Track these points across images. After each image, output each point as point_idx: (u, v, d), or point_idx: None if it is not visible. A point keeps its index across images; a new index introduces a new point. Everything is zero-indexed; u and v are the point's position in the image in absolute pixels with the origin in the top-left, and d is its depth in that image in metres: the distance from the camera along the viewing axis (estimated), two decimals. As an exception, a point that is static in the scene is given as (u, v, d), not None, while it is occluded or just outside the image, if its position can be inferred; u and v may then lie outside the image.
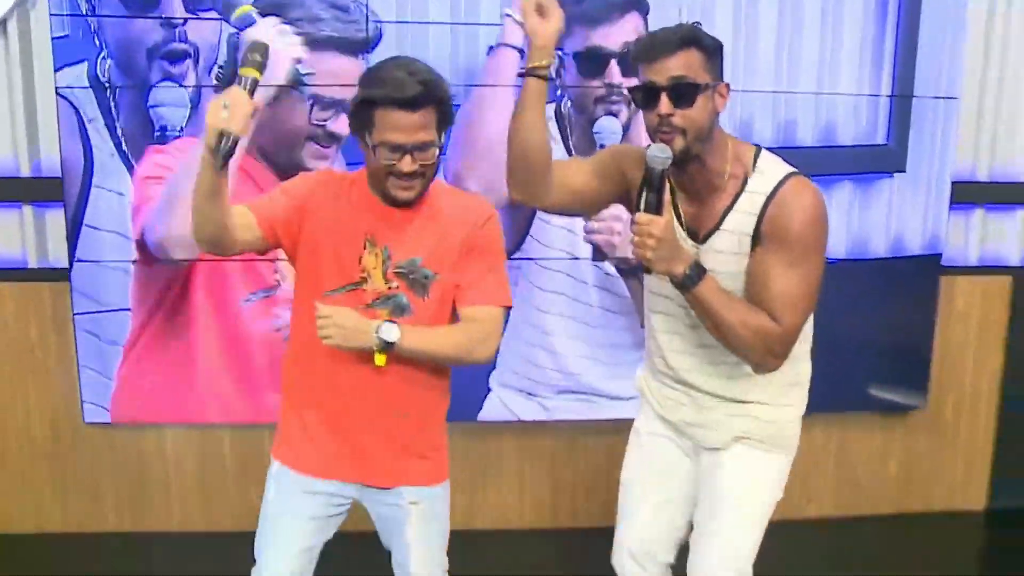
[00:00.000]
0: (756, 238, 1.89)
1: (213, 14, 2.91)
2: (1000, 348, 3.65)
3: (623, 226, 3.00)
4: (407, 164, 1.86)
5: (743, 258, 1.91)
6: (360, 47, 2.98)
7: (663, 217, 1.80)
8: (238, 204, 1.94)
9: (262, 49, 1.81)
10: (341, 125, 2.98)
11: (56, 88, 2.96)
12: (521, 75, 1.92)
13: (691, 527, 2.21)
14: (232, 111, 1.71)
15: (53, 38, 2.94)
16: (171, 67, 2.95)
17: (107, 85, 2.97)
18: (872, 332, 3.43)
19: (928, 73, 3.26)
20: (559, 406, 3.30)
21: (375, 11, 2.96)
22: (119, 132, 3.01)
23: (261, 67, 1.79)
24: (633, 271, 3.08)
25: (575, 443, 3.49)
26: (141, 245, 3.05)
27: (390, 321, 1.91)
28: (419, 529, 2.11)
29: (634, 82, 1.88)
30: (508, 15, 2.94)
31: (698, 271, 1.83)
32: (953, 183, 3.39)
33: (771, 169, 1.91)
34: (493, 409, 3.27)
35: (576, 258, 3.19)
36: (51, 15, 2.92)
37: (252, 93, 1.76)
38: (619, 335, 3.23)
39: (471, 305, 1.99)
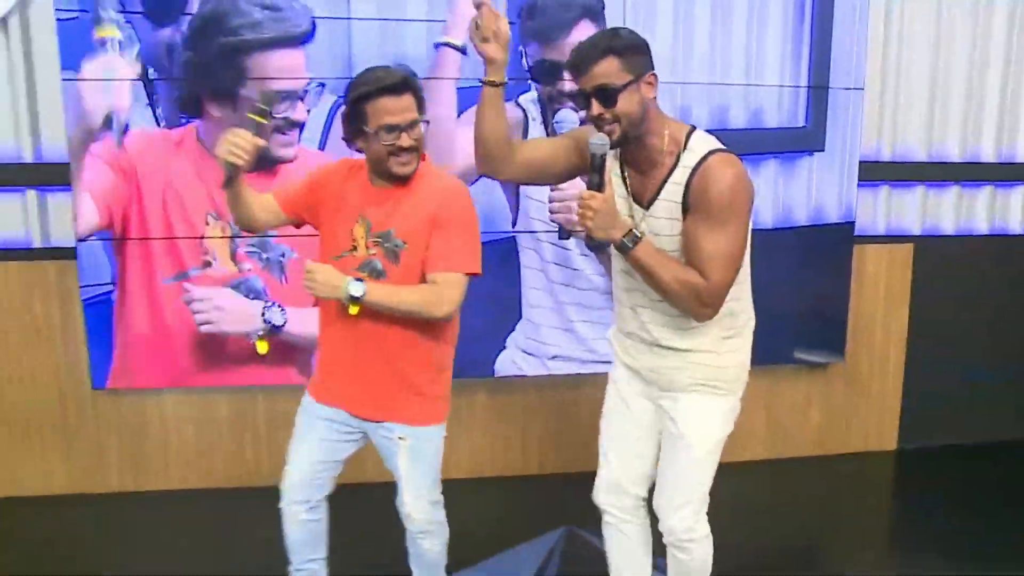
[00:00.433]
0: (684, 206, 2.15)
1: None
2: (905, 307, 4.09)
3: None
4: (404, 140, 2.24)
5: (677, 223, 2.19)
6: (300, 40, 3.28)
7: (603, 193, 2.11)
8: (267, 193, 2.43)
9: (269, 99, 2.27)
10: (299, 112, 3.32)
11: (62, 78, 3.20)
12: (480, 83, 2.25)
13: (657, 451, 2.48)
14: (239, 148, 2.18)
15: (59, 20, 3.16)
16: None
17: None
18: (795, 294, 3.82)
19: (841, 65, 3.69)
20: (558, 365, 3.67)
21: (307, 5, 3.28)
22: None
23: (267, 115, 2.24)
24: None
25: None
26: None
27: (358, 280, 2.25)
28: (408, 464, 2.45)
29: (586, 78, 2.16)
30: (443, 44, 3.31)
31: (633, 237, 2.10)
32: (861, 162, 3.81)
33: (699, 146, 2.16)
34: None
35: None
36: (56, 9, 3.16)
37: (258, 134, 2.20)
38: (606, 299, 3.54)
39: (433, 271, 2.31)
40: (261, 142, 2.22)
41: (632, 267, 2.18)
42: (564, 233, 3.50)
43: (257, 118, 2.23)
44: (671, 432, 2.37)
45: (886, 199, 4.00)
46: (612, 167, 2.26)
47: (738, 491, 3.65)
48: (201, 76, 3.27)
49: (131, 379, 3.48)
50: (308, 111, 3.34)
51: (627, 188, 2.26)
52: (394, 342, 2.35)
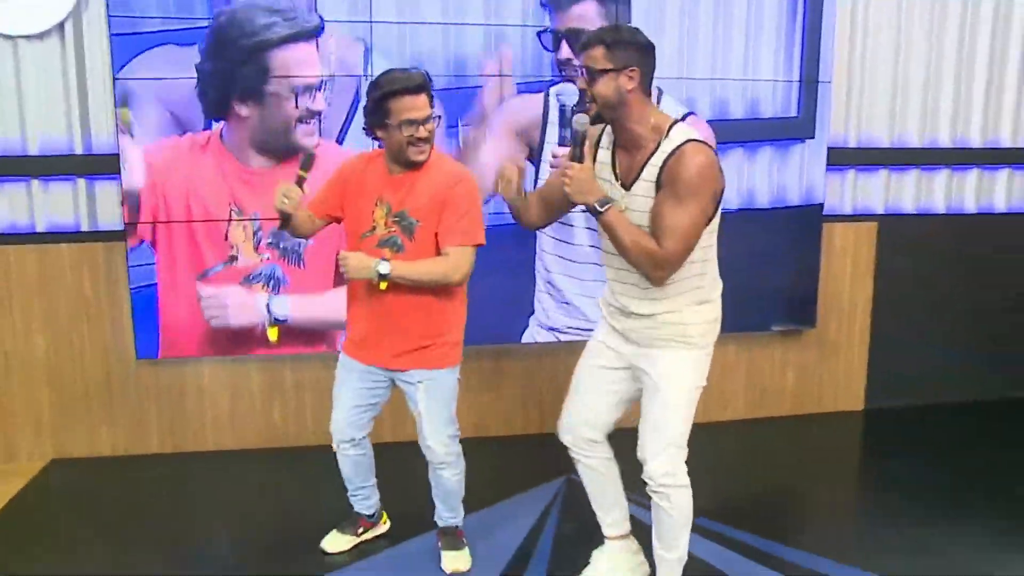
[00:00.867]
0: (658, 184, 2.40)
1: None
2: (870, 279, 4.47)
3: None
4: (421, 132, 2.65)
5: (651, 200, 2.49)
6: (312, 34, 3.64)
7: (581, 163, 2.46)
8: (306, 211, 2.87)
9: (310, 159, 2.76)
10: (318, 103, 3.68)
11: (115, 77, 3.55)
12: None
13: (617, 415, 2.75)
14: (289, 199, 2.69)
15: (112, 35, 3.53)
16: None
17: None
18: (772, 268, 4.20)
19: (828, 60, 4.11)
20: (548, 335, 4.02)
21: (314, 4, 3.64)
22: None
23: (308, 169, 2.74)
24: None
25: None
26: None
27: (384, 260, 2.66)
28: (426, 402, 2.86)
29: (582, 58, 2.51)
30: None
31: (604, 203, 2.40)
32: (830, 148, 4.19)
33: (678, 136, 2.41)
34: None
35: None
36: (109, 16, 3.52)
37: (300, 187, 2.71)
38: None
39: (446, 245, 2.73)
40: (304, 192, 2.74)
41: (602, 229, 2.47)
42: None
43: (302, 173, 2.73)
44: (648, 386, 2.61)
45: (852, 182, 4.38)
46: (606, 154, 2.58)
47: (720, 447, 4.13)
48: (226, 80, 3.61)
49: (171, 350, 3.82)
50: (327, 102, 3.68)
51: (615, 172, 2.56)
52: (409, 307, 2.77)
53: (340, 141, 3.73)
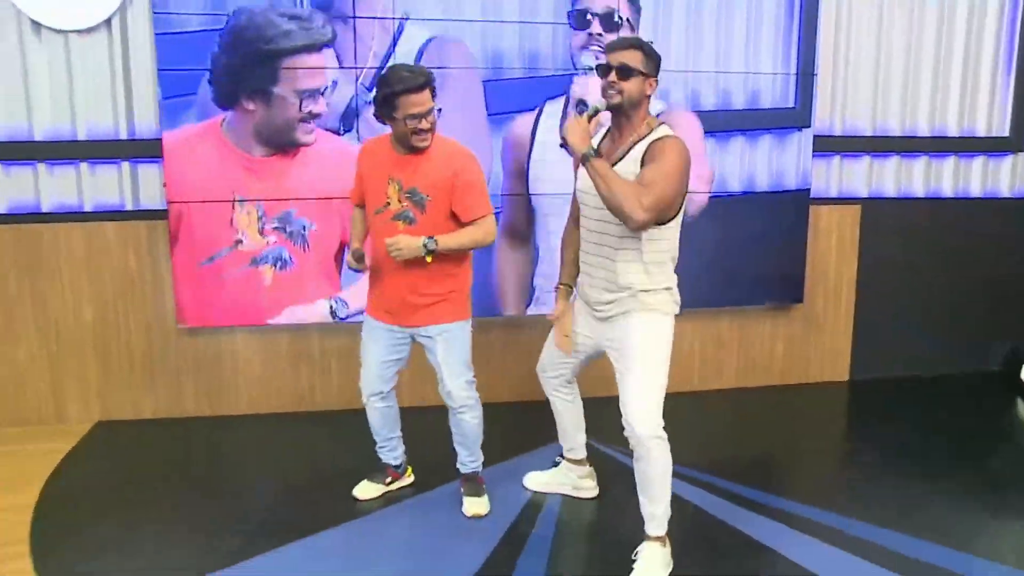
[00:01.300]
0: (642, 163, 2.77)
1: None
2: (855, 258, 4.79)
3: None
4: (424, 123, 3.00)
5: (632, 177, 2.83)
6: (323, 45, 3.97)
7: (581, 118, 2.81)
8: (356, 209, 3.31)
9: (359, 256, 3.20)
10: (319, 106, 4.00)
11: (159, 69, 3.88)
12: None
13: (583, 364, 3.23)
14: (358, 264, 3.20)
15: (158, 34, 3.85)
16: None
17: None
18: (763, 247, 4.53)
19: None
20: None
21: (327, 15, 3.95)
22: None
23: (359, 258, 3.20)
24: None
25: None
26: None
27: (431, 237, 3.01)
28: (444, 353, 3.22)
29: (611, 37, 2.94)
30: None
31: (595, 152, 2.74)
32: (816, 136, 4.52)
33: (660, 132, 2.84)
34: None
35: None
36: (154, 13, 3.84)
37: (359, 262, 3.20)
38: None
39: (471, 217, 3.09)
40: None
41: (590, 175, 2.75)
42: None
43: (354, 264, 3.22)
44: (618, 353, 2.96)
45: (838, 167, 4.70)
46: (595, 140, 2.93)
47: (714, 413, 4.48)
48: (237, 76, 3.91)
49: (207, 319, 4.15)
50: (327, 104, 4.01)
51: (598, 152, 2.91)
52: (421, 273, 3.12)
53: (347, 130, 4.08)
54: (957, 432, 4.27)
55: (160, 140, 3.94)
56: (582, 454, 3.48)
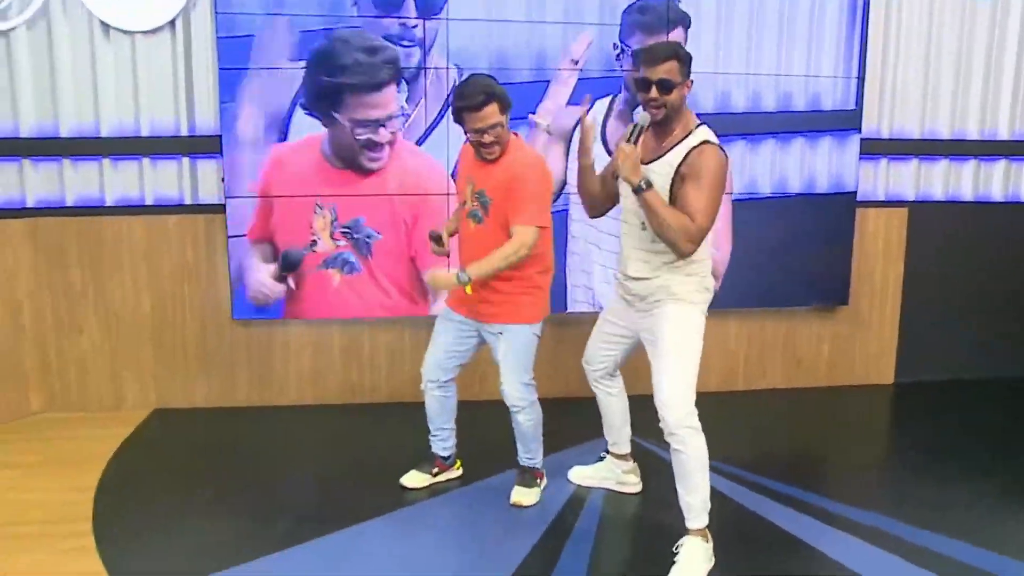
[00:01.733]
0: (678, 173, 2.86)
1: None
2: (901, 261, 4.77)
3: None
4: (486, 138, 3.12)
5: (667, 178, 2.87)
6: (388, 83, 4.08)
7: (627, 145, 2.86)
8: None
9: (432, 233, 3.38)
10: (382, 136, 4.12)
11: (220, 68, 4.00)
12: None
13: (625, 355, 3.31)
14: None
15: (220, 38, 3.97)
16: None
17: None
18: (808, 249, 4.55)
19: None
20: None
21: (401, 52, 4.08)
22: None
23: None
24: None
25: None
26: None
27: (462, 269, 3.12)
28: (504, 351, 3.30)
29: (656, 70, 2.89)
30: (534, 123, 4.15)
31: (648, 183, 2.82)
32: (863, 139, 4.51)
33: (699, 136, 2.90)
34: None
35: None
36: (217, 13, 3.96)
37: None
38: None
39: (513, 224, 3.16)
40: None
41: (641, 206, 2.86)
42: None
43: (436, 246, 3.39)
44: (651, 343, 3.05)
45: (885, 170, 4.69)
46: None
47: (759, 413, 4.49)
48: (314, 95, 4.08)
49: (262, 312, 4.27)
50: (392, 133, 4.13)
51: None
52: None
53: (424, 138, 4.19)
54: (1000, 436, 4.26)
55: (220, 136, 4.07)
56: (626, 449, 3.53)
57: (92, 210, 4.18)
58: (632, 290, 3.10)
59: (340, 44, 4.04)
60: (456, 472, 3.64)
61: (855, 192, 4.57)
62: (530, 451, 3.46)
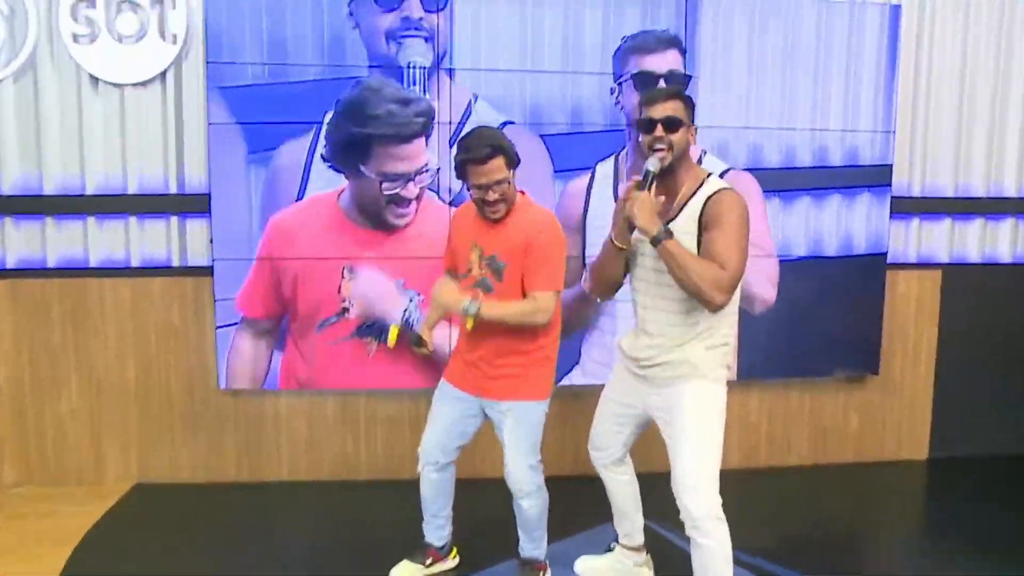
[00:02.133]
0: (700, 223, 2.64)
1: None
2: (935, 326, 4.48)
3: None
4: (490, 195, 2.87)
5: (692, 236, 2.64)
6: (416, 136, 3.85)
7: (648, 194, 2.63)
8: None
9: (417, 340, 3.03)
10: (409, 191, 3.88)
11: (209, 123, 3.80)
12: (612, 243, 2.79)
13: (634, 437, 3.03)
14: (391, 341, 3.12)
15: (212, 86, 3.78)
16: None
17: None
18: (835, 314, 4.27)
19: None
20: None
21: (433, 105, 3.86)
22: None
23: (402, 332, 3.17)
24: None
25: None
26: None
27: (474, 299, 2.87)
28: (510, 431, 3.02)
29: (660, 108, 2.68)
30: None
31: (667, 232, 2.58)
32: (893, 197, 4.26)
33: (712, 185, 2.70)
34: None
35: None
36: (208, 62, 3.77)
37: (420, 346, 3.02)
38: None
39: (530, 289, 2.92)
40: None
41: (662, 256, 2.62)
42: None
43: (417, 348, 3.05)
44: (666, 423, 2.79)
45: (916, 230, 4.42)
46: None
47: (783, 492, 4.17)
48: (339, 146, 3.84)
49: (310, 383, 4.02)
50: (420, 188, 3.90)
51: None
52: (500, 342, 2.96)
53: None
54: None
55: (209, 195, 3.86)
56: (639, 540, 3.22)
57: (76, 271, 3.97)
58: (645, 362, 2.82)
59: (370, 93, 3.82)
60: (452, 562, 3.33)
61: (885, 253, 4.30)
62: (533, 540, 3.15)
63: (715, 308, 2.62)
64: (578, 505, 3.61)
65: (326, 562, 3.43)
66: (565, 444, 4.04)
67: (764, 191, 4.13)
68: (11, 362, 4.01)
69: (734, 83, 4.06)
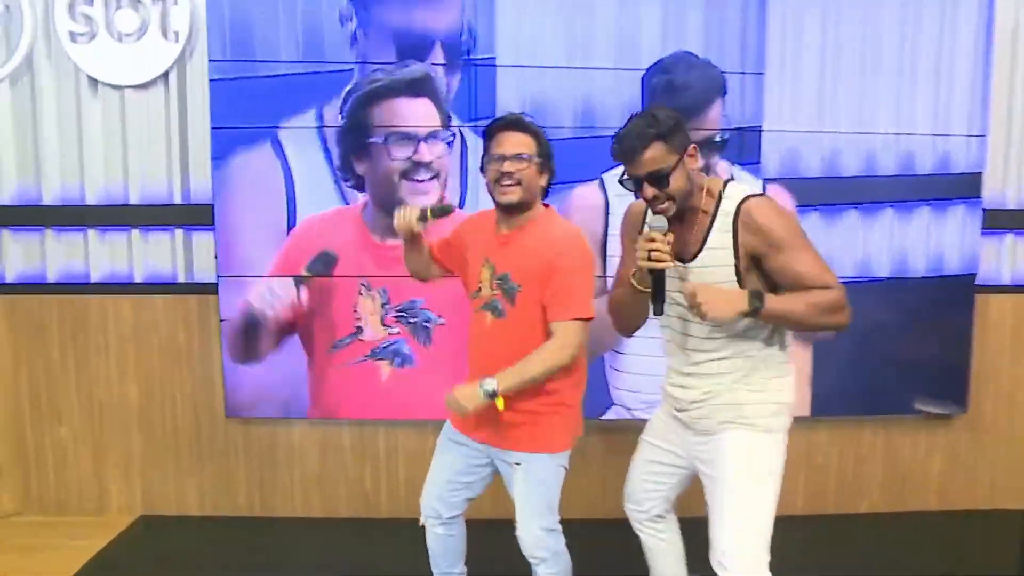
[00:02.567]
0: (740, 253, 2.24)
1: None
2: (1032, 357, 3.94)
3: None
4: (509, 166, 2.47)
5: (729, 268, 2.26)
6: (419, 88, 3.47)
7: (693, 284, 2.22)
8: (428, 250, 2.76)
9: (444, 210, 2.60)
10: (422, 153, 3.48)
11: (212, 127, 3.48)
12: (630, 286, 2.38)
13: (677, 490, 2.60)
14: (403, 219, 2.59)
15: (212, 80, 3.47)
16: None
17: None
18: (916, 343, 3.77)
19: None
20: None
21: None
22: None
23: (436, 216, 2.58)
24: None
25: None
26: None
27: (489, 378, 2.41)
28: (522, 488, 2.57)
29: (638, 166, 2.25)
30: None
31: (758, 296, 2.19)
32: (985, 210, 3.74)
33: (735, 194, 2.28)
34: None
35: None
36: (210, 61, 3.46)
37: (423, 220, 2.58)
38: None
39: (553, 320, 2.47)
40: (417, 228, 2.60)
41: (767, 320, 2.24)
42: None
43: (428, 214, 2.59)
44: (709, 478, 2.39)
45: (1011, 247, 3.89)
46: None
47: (852, 545, 3.68)
48: (345, 140, 3.52)
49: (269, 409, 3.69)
50: (437, 158, 3.51)
51: None
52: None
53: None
54: None
55: (212, 206, 3.54)
56: None
57: (76, 287, 3.70)
58: (684, 405, 2.41)
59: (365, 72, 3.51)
60: None
61: (974, 274, 3.77)
62: None
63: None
64: (610, 554, 3.19)
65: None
66: (607, 485, 3.61)
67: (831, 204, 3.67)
68: (9, 383, 3.78)
69: (805, 82, 3.58)
